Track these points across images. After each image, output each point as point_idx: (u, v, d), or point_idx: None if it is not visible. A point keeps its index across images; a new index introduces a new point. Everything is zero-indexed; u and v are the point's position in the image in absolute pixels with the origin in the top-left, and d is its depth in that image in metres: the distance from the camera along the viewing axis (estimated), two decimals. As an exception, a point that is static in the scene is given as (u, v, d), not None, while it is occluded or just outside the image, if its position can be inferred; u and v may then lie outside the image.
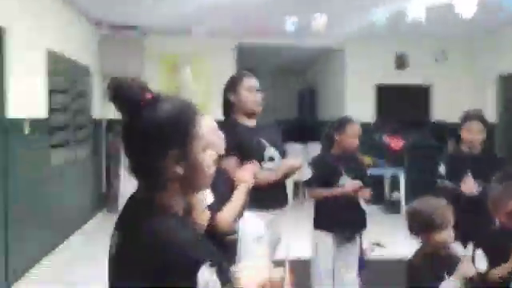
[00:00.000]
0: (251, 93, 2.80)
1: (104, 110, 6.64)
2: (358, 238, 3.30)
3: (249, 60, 8.31)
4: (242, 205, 2.04)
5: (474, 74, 7.33)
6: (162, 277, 0.94)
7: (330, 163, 3.21)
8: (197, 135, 1.11)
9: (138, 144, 1.08)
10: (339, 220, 3.14)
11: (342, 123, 3.21)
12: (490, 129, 6.94)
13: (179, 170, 1.07)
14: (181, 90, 6.64)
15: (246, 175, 2.13)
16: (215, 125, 2.13)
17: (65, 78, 5.27)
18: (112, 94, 1.07)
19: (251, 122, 2.83)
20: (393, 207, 7.05)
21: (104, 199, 6.81)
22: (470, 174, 3.09)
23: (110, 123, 6.70)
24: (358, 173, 3.21)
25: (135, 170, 1.09)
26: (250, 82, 2.83)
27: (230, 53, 7.30)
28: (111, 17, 6.18)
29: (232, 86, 2.84)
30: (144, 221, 1.02)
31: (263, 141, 2.77)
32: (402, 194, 7.01)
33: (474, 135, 3.20)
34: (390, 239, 5.24)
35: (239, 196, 2.04)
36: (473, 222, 2.83)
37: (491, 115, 7.00)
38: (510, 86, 6.81)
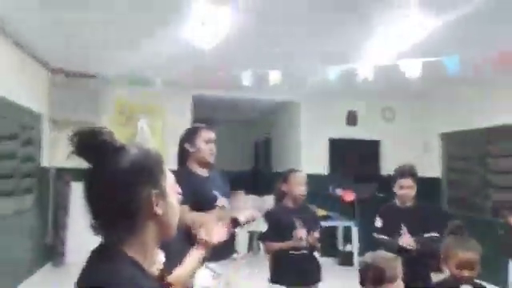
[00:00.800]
0: (208, 144, 2.90)
1: (52, 158, 6.44)
2: None
3: (205, 111, 8.42)
4: (199, 263, 2.00)
5: (420, 131, 7.72)
6: None
7: (284, 215, 3.25)
8: (167, 179, 1.14)
9: (111, 190, 1.04)
10: (294, 274, 3.15)
11: (287, 173, 3.31)
12: (434, 184, 7.30)
13: (159, 210, 1.07)
14: (137, 141, 6.58)
15: (218, 236, 2.07)
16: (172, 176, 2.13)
17: (14, 124, 5.12)
18: (81, 142, 1.05)
19: (204, 172, 2.90)
20: (346, 259, 7.10)
21: (49, 251, 6.47)
22: (404, 227, 3.23)
23: (59, 172, 6.49)
24: (311, 224, 3.25)
25: (103, 220, 1.05)
26: (208, 134, 2.94)
27: (186, 104, 7.37)
28: (68, 64, 6.15)
29: (190, 136, 2.93)
30: (114, 273, 0.98)
31: (215, 191, 2.82)
32: (354, 245, 7.09)
33: (405, 191, 3.37)
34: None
35: (197, 255, 1.99)
36: (413, 274, 2.96)
37: (436, 171, 7.37)
38: (452, 142, 7.22)
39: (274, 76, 4.94)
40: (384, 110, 7.96)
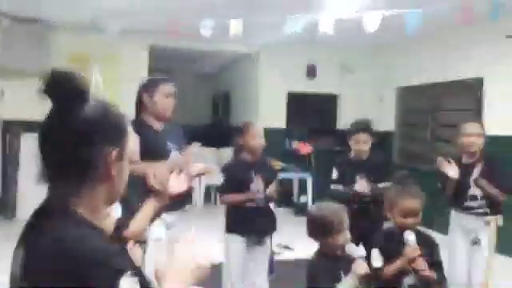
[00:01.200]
0: (167, 98, 2.82)
1: (0, 109, 6.14)
2: (268, 241, 3.39)
3: (162, 62, 8.17)
4: (153, 214, 1.96)
5: (377, 85, 7.85)
6: None
7: (241, 169, 3.27)
8: (128, 140, 1.09)
9: (70, 141, 0.98)
10: (250, 224, 3.21)
11: (244, 127, 3.30)
12: (388, 137, 7.54)
13: (114, 171, 1.02)
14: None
15: (176, 187, 2.02)
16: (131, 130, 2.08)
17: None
18: (56, 85, 0.97)
19: (159, 125, 2.85)
20: (301, 210, 7.32)
21: (0, 205, 6.30)
22: (360, 176, 3.36)
23: (7, 124, 6.22)
24: (268, 176, 3.30)
25: (56, 172, 1.00)
26: (168, 88, 2.86)
27: (142, 54, 7.13)
28: (14, 8, 5.73)
29: (148, 88, 2.84)
30: (62, 232, 0.94)
31: (169, 144, 2.79)
32: (309, 197, 7.30)
33: (360, 146, 3.47)
34: (299, 241, 5.43)
35: (151, 206, 1.95)
36: (365, 222, 3.14)
37: (391, 124, 7.58)
38: (407, 97, 7.41)
39: (235, 26, 4.82)
40: (343, 64, 8.00)
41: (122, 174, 1.06)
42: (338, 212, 2.25)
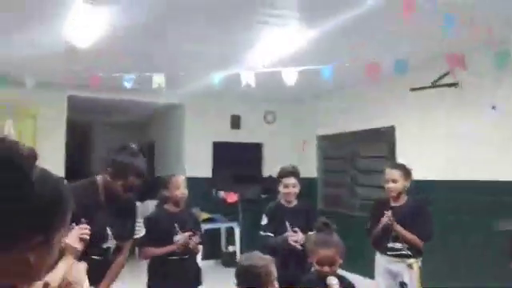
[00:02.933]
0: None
1: None
2: None
3: (81, 114, 7.95)
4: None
5: (299, 134, 8.17)
6: None
7: (165, 220, 3.23)
8: (66, 225, 0.97)
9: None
10: (173, 279, 3.13)
11: (167, 178, 3.30)
12: (311, 183, 7.75)
13: (32, 258, 0.90)
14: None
15: (75, 242, 2.05)
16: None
17: None
18: None
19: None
20: (229, 260, 7.24)
21: None
22: (290, 226, 3.40)
23: None
24: (192, 228, 3.28)
25: None
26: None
27: (61, 106, 6.88)
28: None
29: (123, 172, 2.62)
30: None
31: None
32: (237, 246, 7.26)
33: (290, 189, 3.55)
34: (227, 293, 5.34)
35: (63, 266, 1.89)
36: (295, 268, 3.18)
37: (313, 171, 7.86)
38: (327, 144, 7.77)
39: (157, 79, 4.86)
40: (266, 114, 8.27)
41: (43, 260, 0.93)
42: (266, 263, 2.26)
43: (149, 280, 3.20)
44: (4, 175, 0.86)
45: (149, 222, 3.24)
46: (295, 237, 3.33)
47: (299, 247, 3.28)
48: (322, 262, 2.39)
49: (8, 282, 0.92)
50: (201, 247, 3.34)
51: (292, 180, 3.56)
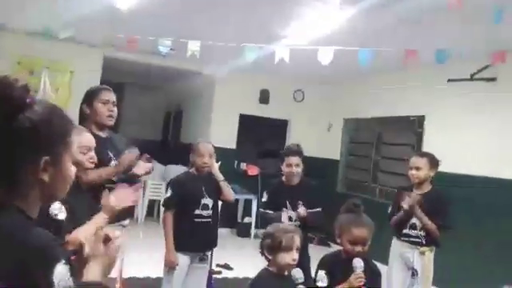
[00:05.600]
0: (105, 105, 2.87)
1: None
2: (209, 258, 3.42)
3: (116, 73, 8.07)
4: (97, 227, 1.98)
5: (325, 115, 8.13)
6: (19, 276, 0.95)
7: (189, 183, 3.31)
8: (69, 147, 1.13)
9: (4, 147, 1.02)
10: (194, 241, 3.23)
11: (193, 145, 3.35)
12: (333, 164, 7.76)
13: (45, 177, 1.06)
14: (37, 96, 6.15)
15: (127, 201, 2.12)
16: (92, 139, 2.19)
17: None
18: None
19: (102, 134, 2.88)
20: (244, 231, 7.37)
21: None
22: (290, 204, 3.43)
23: None
24: (215, 194, 3.35)
25: None
26: (106, 95, 2.90)
27: (96, 64, 7.02)
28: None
29: (87, 98, 2.90)
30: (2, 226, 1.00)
31: (110, 154, 2.81)
32: (253, 218, 7.37)
33: (292, 168, 3.53)
34: (239, 261, 5.48)
35: (101, 220, 1.99)
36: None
37: (336, 153, 7.85)
38: (353, 128, 7.72)
39: (193, 46, 4.88)
40: (295, 91, 8.24)
41: (57, 178, 1.08)
42: (288, 232, 2.33)
43: (174, 239, 3.29)
44: None
45: (175, 183, 3.34)
46: (285, 215, 3.34)
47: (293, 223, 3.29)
48: (355, 241, 2.41)
49: (31, 204, 1.07)
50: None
51: (296, 160, 3.53)
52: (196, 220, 3.23)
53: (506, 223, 4.63)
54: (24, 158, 1.03)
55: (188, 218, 3.23)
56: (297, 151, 3.60)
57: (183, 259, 3.22)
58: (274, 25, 4.81)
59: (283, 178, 3.63)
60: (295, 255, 2.29)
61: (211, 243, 3.40)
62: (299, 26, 4.64)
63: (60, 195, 1.16)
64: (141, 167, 2.88)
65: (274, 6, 4.32)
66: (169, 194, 3.30)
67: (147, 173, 3.00)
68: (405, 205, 3.47)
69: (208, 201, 3.29)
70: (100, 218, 1.98)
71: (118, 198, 2.09)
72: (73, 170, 1.16)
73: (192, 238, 3.22)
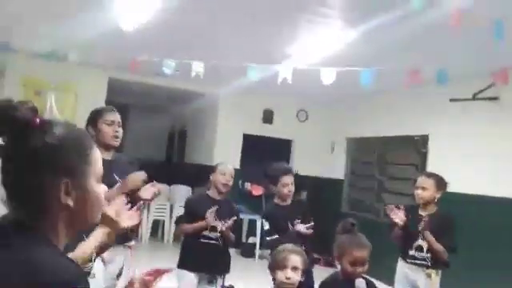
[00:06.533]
0: (110, 126, 2.85)
1: None
2: (220, 282, 3.39)
3: (120, 95, 8.14)
4: (101, 246, 1.86)
5: (329, 134, 8.15)
6: None
7: (205, 204, 3.33)
8: (92, 165, 1.05)
9: (18, 171, 0.97)
10: (204, 260, 3.24)
11: (215, 165, 3.40)
12: (337, 184, 7.71)
13: (69, 201, 0.99)
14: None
15: (129, 220, 2.02)
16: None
17: None
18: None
19: (107, 156, 2.83)
20: (249, 251, 7.31)
21: None
22: (291, 224, 3.39)
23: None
24: (229, 215, 3.36)
25: (15, 197, 0.99)
26: (111, 116, 2.88)
27: (101, 86, 7.10)
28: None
29: (92, 119, 2.88)
30: (24, 250, 0.93)
31: (115, 175, 2.78)
32: (257, 238, 7.32)
33: (289, 187, 3.50)
34: (244, 282, 5.42)
35: (99, 235, 1.89)
36: None
37: (340, 173, 7.83)
38: (356, 148, 7.72)
39: (197, 67, 4.94)
40: (299, 111, 8.28)
41: (83, 202, 1.02)
42: (286, 249, 2.36)
43: (180, 260, 3.30)
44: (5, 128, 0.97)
45: (188, 203, 3.37)
46: (301, 227, 3.33)
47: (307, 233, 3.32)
48: (355, 262, 2.39)
49: (60, 232, 1.01)
50: (233, 236, 3.41)
51: (289, 178, 3.52)
52: (203, 241, 3.25)
53: (506, 241, 4.58)
54: (42, 181, 0.97)
55: (195, 237, 3.27)
56: (290, 169, 3.63)
57: (190, 277, 3.23)
58: (277, 45, 4.86)
59: (275, 200, 3.61)
60: (289, 273, 2.29)
61: (221, 267, 3.39)
62: (302, 47, 4.70)
63: (91, 220, 1.08)
64: (147, 191, 2.84)
65: (276, 27, 4.38)
66: (183, 212, 3.36)
67: (153, 197, 2.97)
68: (397, 219, 3.44)
69: (217, 223, 3.28)
70: (99, 234, 1.81)
71: (120, 214, 2.03)
72: (102, 190, 1.09)
73: (198, 257, 3.24)
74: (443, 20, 3.13)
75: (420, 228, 3.39)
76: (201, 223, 3.23)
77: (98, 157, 1.10)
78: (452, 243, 3.41)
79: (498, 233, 4.78)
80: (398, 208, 3.50)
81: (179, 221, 3.43)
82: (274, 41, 4.76)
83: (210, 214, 3.20)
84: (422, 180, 3.58)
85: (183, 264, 3.27)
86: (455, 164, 5.35)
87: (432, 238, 3.39)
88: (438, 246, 3.38)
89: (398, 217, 3.44)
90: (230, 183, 3.40)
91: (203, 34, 4.92)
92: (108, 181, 2.70)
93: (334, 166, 7.91)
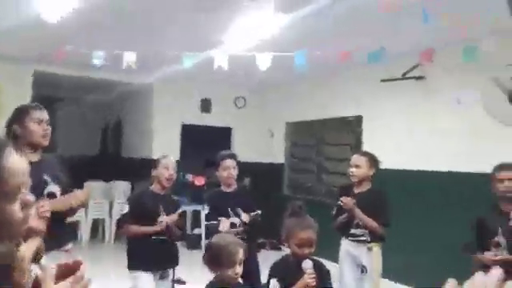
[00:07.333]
0: (39, 125, 2.65)
1: None
2: (170, 276, 3.37)
3: (48, 89, 7.73)
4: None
5: (268, 120, 8.21)
6: None
7: (149, 201, 3.24)
8: (4, 184, 0.99)
9: None
10: (153, 260, 3.18)
11: (156, 159, 3.32)
12: (278, 168, 7.82)
13: None
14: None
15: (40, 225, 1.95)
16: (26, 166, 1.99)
17: None
18: None
19: (35, 157, 2.65)
20: (194, 243, 7.25)
21: None
22: (231, 211, 3.41)
23: None
24: (172, 210, 3.32)
25: None
26: (39, 114, 2.68)
27: (26, 80, 6.68)
28: None
29: (18, 117, 2.66)
30: None
31: (45, 177, 2.64)
32: (202, 229, 7.27)
33: (230, 171, 3.51)
34: (191, 275, 5.37)
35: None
36: None
37: (281, 157, 7.93)
38: (295, 132, 7.84)
39: (129, 58, 4.76)
40: (236, 99, 8.26)
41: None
42: (231, 245, 2.31)
43: (130, 260, 3.21)
44: None
45: (132, 200, 3.26)
46: (225, 223, 3.30)
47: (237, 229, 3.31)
48: (302, 243, 2.41)
49: None
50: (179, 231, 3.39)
51: (232, 162, 3.51)
52: (153, 238, 3.19)
53: (439, 212, 4.87)
54: None
55: (143, 238, 3.19)
56: (231, 154, 3.62)
57: (147, 277, 3.16)
58: (211, 32, 4.79)
59: (221, 187, 3.59)
60: (238, 269, 2.28)
61: (171, 260, 3.34)
62: (236, 33, 4.66)
63: (11, 238, 1.02)
64: (76, 196, 2.62)
65: (208, 13, 4.31)
66: (126, 210, 3.24)
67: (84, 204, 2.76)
68: (343, 205, 3.54)
69: (164, 219, 3.23)
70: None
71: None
72: (18, 208, 1.02)
73: (149, 256, 3.17)
74: (373, 2, 3.21)
75: (347, 208, 3.53)
76: (154, 228, 3.17)
77: (12, 173, 1.01)
78: (385, 219, 3.56)
79: (431, 204, 5.05)
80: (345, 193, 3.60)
81: (123, 220, 3.28)
82: (207, 27, 4.69)
83: (170, 222, 3.19)
84: (355, 158, 3.71)
85: (135, 265, 3.18)
86: (388, 142, 5.58)
87: (360, 214, 3.52)
88: (371, 223, 3.51)
89: (345, 199, 3.54)
90: (174, 177, 3.33)
91: (135, 22, 4.74)
92: (38, 182, 2.56)
93: (274, 151, 8.00)
